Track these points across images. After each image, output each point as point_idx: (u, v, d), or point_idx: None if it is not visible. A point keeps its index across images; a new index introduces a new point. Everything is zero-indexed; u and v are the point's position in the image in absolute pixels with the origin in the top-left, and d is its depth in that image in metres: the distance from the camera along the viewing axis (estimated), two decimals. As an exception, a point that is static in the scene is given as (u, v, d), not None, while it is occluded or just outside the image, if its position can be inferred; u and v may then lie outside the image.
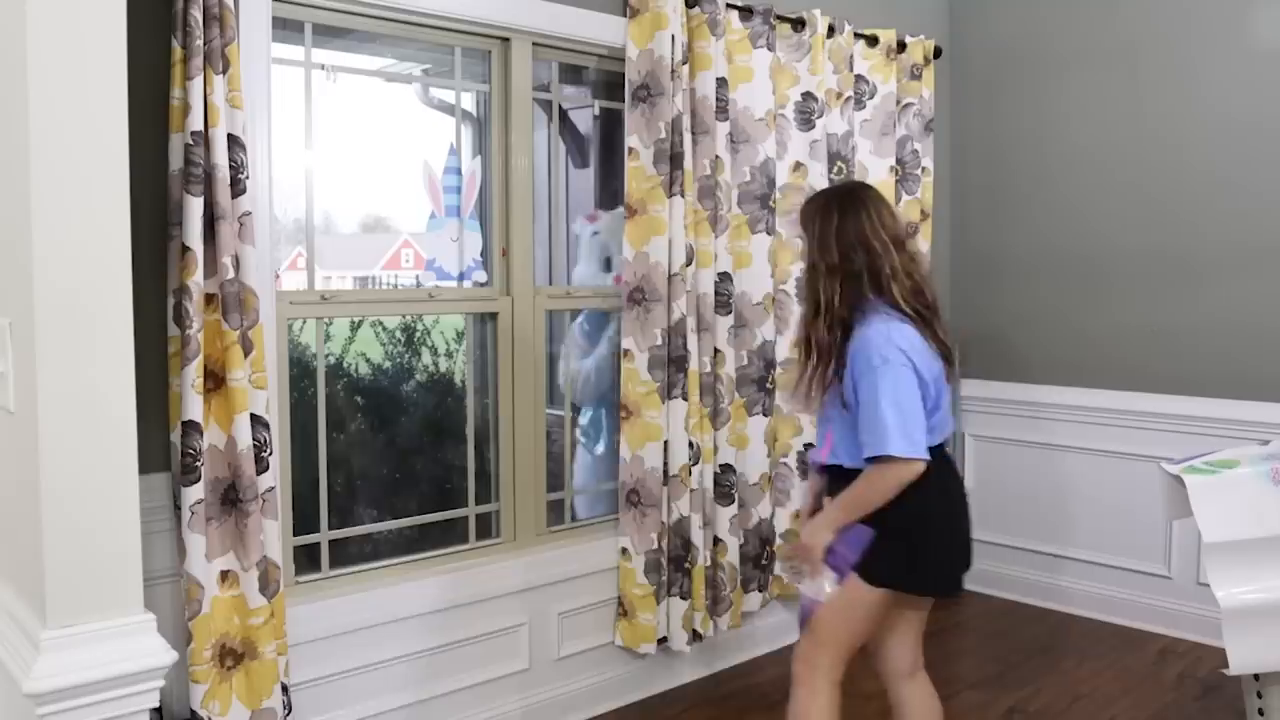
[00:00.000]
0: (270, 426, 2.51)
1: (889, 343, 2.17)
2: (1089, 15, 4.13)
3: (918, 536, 2.25)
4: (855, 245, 2.23)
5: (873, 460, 2.17)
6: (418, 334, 3.93)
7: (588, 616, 3.31)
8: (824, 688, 2.35)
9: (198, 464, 2.37)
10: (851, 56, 3.87)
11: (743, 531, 3.59)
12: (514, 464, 3.20)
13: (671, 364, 3.25)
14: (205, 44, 2.32)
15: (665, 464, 3.26)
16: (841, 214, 2.27)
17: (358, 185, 3.38)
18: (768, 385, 3.61)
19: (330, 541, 2.91)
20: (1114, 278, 4.11)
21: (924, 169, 4.23)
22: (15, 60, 1.50)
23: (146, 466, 2.05)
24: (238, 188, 2.42)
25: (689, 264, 3.29)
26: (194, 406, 2.35)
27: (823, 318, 2.26)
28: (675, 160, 3.21)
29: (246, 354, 2.44)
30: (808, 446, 3.77)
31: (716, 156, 3.36)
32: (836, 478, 2.33)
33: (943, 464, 2.30)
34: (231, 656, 2.46)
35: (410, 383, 3.97)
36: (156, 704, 1.59)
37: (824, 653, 2.36)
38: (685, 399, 3.27)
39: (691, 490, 3.33)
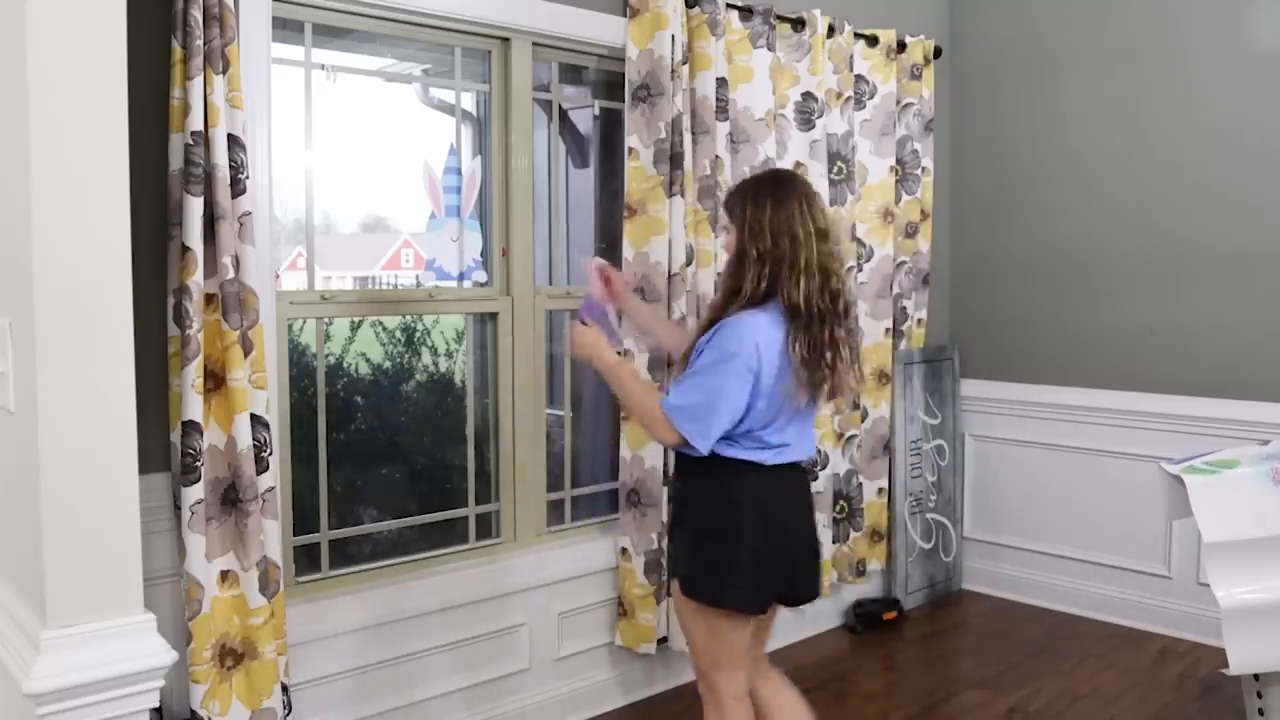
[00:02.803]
0: (270, 426, 2.51)
1: (749, 340, 2.14)
2: (1088, 16, 4.13)
3: (728, 554, 2.21)
4: (782, 232, 2.19)
5: (665, 406, 2.19)
6: (418, 334, 3.93)
7: (588, 616, 3.31)
8: (730, 704, 2.33)
9: (198, 464, 2.37)
10: (851, 56, 3.87)
11: (743, 531, 3.58)
12: (514, 464, 3.20)
13: (671, 364, 3.25)
14: (205, 44, 2.32)
15: (665, 464, 3.25)
16: (774, 201, 2.21)
17: (358, 185, 3.38)
18: (768, 385, 3.60)
19: (330, 541, 2.91)
20: (1114, 277, 4.11)
21: (924, 169, 4.23)
22: (15, 61, 1.50)
23: (146, 466, 2.05)
24: (238, 188, 2.42)
25: (689, 264, 3.29)
26: (194, 406, 2.35)
27: (737, 304, 2.22)
28: (675, 160, 3.21)
29: (246, 354, 2.44)
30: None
31: (716, 156, 3.36)
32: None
33: (782, 483, 2.27)
34: (231, 656, 2.46)
35: (410, 383, 3.97)
36: (156, 704, 1.59)
37: (713, 678, 2.33)
38: (685, 399, 3.27)
39: (691, 490, 3.33)
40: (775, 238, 2.19)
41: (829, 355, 2.18)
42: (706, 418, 2.16)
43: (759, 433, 2.21)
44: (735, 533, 2.22)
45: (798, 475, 2.34)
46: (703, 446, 2.18)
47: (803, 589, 2.38)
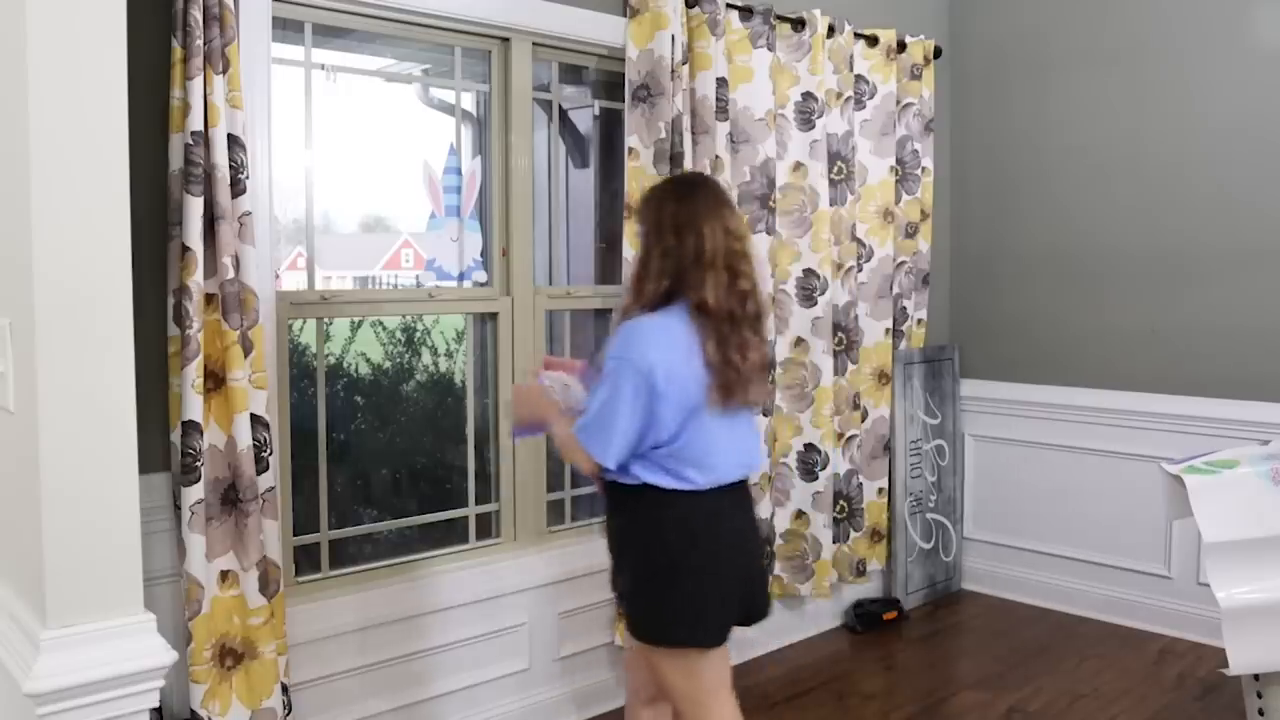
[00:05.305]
0: (270, 426, 2.51)
1: (643, 345, 2.06)
2: (1089, 15, 4.13)
3: (673, 590, 2.11)
4: (688, 230, 2.11)
5: (575, 430, 2.13)
6: (418, 334, 3.93)
7: (588, 616, 3.31)
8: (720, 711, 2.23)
9: (198, 464, 2.37)
10: (851, 56, 3.87)
11: (743, 531, 3.58)
12: (514, 464, 3.20)
13: (671, 364, 3.25)
14: (205, 44, 2.32)
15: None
16: (678, 201, 2.16)
17: (358, 185, 3.38)
18: (768, 385, 3.60)
19: (330, 541, 2.91)
20: (1114, 277, 4.11)
21: (924, 169, 4.23)
22: (14, 61, 1.50)
23: (146, 466, 2.05)
24: (238, 188, 2.42)
25: (689, 264, 3.29)
26: (194, 406, 2.35)
27: (638, 305, 2.15)
28: (675, 160, 3.21)
29: (246, 354, 2.44)
30: (808, 447, 3.78)
31: (716, 156, 3.36)
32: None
33: (718, 505, 2.15)
34: (231, 656, 2.46)
35: (410, 383, 3.97)
36: (156, 704, 1.59)
37: (699, 716, 2.21)
38: (685, 399, 3.27)
39: (691, 490, 3.33)
40: (680, 235, 2.11)
41: (738, 356, 2.09)
42: (607, 430, 2.06)
43: (679, 450, 2.09)
44: (674, 567, 2.10)
45: (737, 494, 2.21)
46: (608, 461, 2.07)
47: (757, 609, 2.29)
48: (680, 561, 2.11)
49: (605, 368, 2.10)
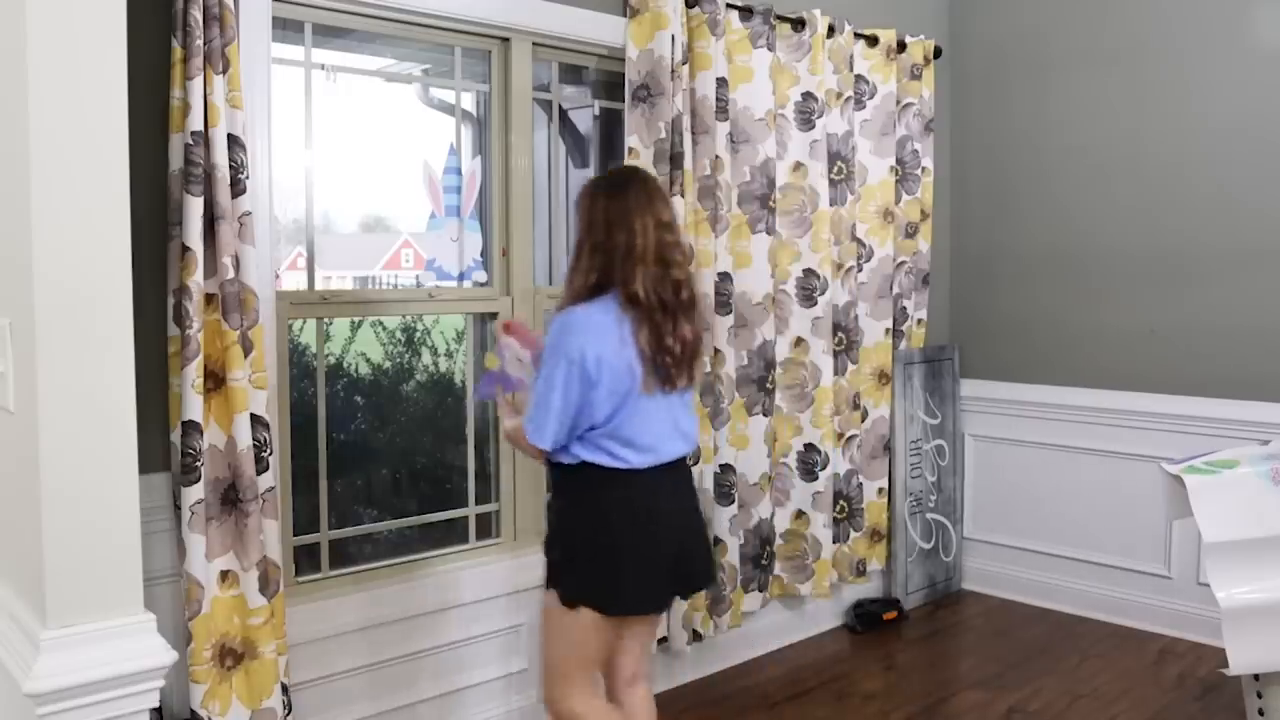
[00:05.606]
0: (270, 426, 2.51)
1: (574, 335, 2.14)
2: (1089, 15, 4.13)
3: (603, 558, 2.21)
4: (618, 225, 2.18)
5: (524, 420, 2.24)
6: (418, 334, 3.93)
7: (588, 616, 3.31)
8: (584, 704, 2.30)
9: (198, 464, 2.37)
10: (851, 56, 3.87)
11: (743, 531, 3.59)
12: (514, 464, 3.20)
13: (671, 364, 3.25)
14: (205, 44, 2.32)
15: (665, 464, 3.25)
16: (609, 197, 2.23)
17: (358, 185, 3.38)
18: (768, 385, 3.61)
19: (330, 541, 2.91)
20: (1114, 277, 4.11)
21: (924, 169, 4.23)
22: (14, 61, 1.50)
23: (146, 466, 2.05)
24: (238, 188, 2.42)
25: (689, 264, 3.29)
26: (194, 406, 2.35)
27: (569, 297, 2.24)
28: (675, 160, 3.21)
29: (246, 354, 2.44)
30: (808, 447, 3.78)
31: (716, 156, 3.36)
32: None
33: (654, 483, 2.24)
34: (231, 656, 2.46)
35: (410, 383, 3.97)
36: (156, 704, 1.59)
37: (562, 682, 2.30)
38: (685, 399, 3.27)
39: (691, 490, 3.33)
40: (610, 229, 2.19)
41: (673, 342, 2.18)
42: (542, 414, 2.17)
43: (614, 431, 2.18)
44: (612, 543, 2.20)
45: (675, 473, 2.30)
46: (543, 443, 2.19)
47: (696, 579, 2.41)
48: (616, 539, 2.20)
49: (542, 358, 2.22)
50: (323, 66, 2.82)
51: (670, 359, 2.19)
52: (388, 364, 3.89)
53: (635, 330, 2.16)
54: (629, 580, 2.21)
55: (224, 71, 2.36)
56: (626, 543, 2.20)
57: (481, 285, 3.19)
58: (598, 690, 2.38)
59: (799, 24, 3.67)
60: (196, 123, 2.32)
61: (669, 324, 2.19)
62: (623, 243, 2.18)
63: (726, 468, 3.49)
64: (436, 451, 3.73)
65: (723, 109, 3.38)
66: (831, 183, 3.80)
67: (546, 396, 2.16)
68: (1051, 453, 4.30)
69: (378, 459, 3.66)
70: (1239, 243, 3.79)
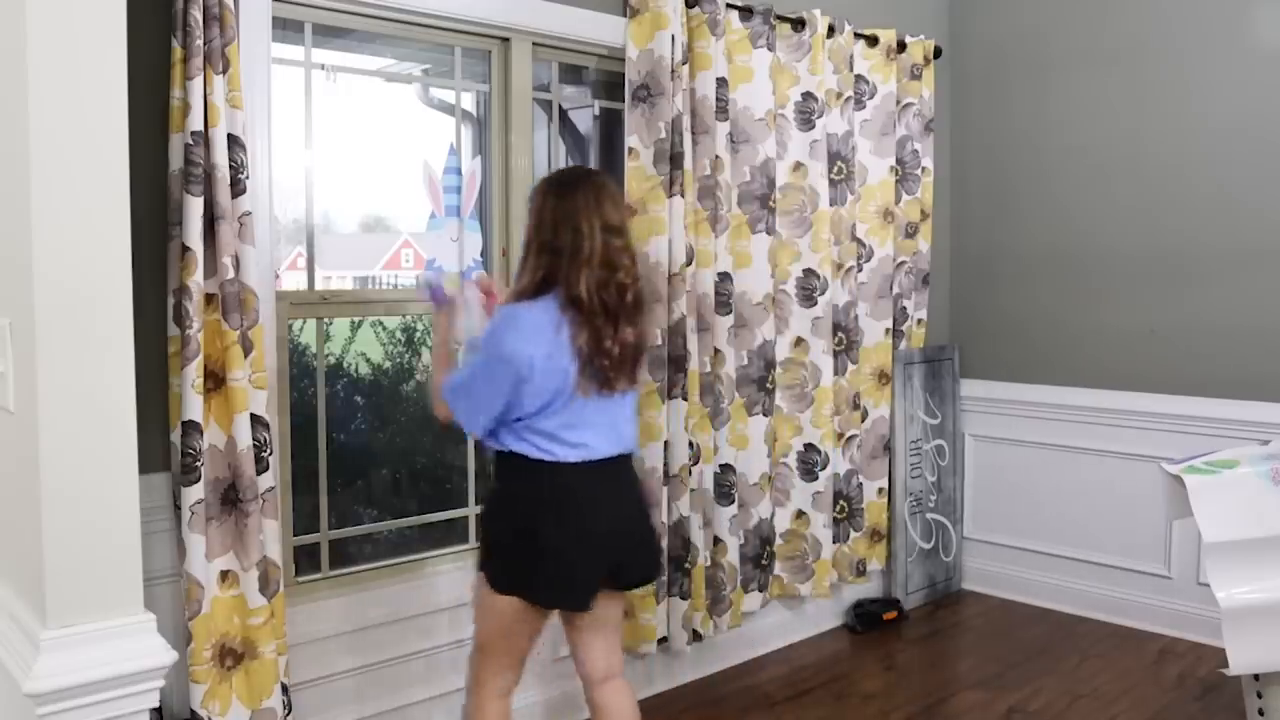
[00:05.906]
0: (270, 426, 2.51)
1: (509, 332, 2.16)
2: (1089, 15, 4.13)
3: (524, 546, 2.21)
4: (565, 225, 2.19)
5: (445, 382, 2.28)
6: (418, 334, 3.94)
7: (588, 616, 3.31)
8: (489, 699, 2.33)
9: (198, 464, 2.37)
10: (851, 56, 3.87)
11: (743, 531, 3.59)
12: (514, 464, 3.19)
13: (671, 364, 3.25)
14: (205, 44, 2.32)
15: (665, 464, 3.25)
16: (559, 198, 2.23)
17: (358, 185, 3.38)
18: (768, 385, 3.61)
19: (330, 541, 2.91)
20: (1114, 277, 4.11)
21: (924, 169, 4.23)
22: (14, 61, 1.50)
23: (146, 466, 2.05)
24: (238, 188, 2.42)
25: (689, 264, 3.29)
26: (194, 406, 2.35)
27: (512, 294, 2.27)
28: (675, 160, 3.21)
29: (246, 354, 2.44)
30: (808, 447, 3.78)
31: (716, 156, 3.36)
32: None
33: (587, 479, 2.24)
34: (231, 656, 2.46)
35: (410, 383, 3.98)
36: (156, 704, 1.59)
37: (483, 662, 2.33)
38: (685, 399, 3.27)
39: (691, 490, 3.33)
40: (556, 230, 2.20)
41: (611, 345, 2.19)
42: (473, 402, 2.21)
43: (540, 425, 2.19)
44: (534, 534, 2.20)
45: (612, 468, 2.30)
46: (474, 429, 2.23)
47: (636, 572, 2.41)
48: (538, 528, 2.21)
49: (481, 344, 2.23)
50: (323, 66, 2.82)
51: (608, 362, 2.20)
52: (387, 364, 3.90)
53: (574, 332, 2.16)
54: (549, 572, 2.21)
55: (224, 71, 2.36)
56: (548, 534, 2.20)
57: (481, 285, 3.19)
58: (513, 683, 2.38)
59: (799, 24, 3.67)
60: (196, 123, 2.32)
61: (609, 327, 2.19)
62: (569, 243, 2.18)
63: (726, 468, 3.49)
64: (436, 451, 3.74)
65: (723, 109, 3.38)
66: (831, 183, 3.80)
67: (477, 388, 2.20)
68: (1051, 453, 4.30)
69: (377, 459, 3.67)
70: (1239, 243, 3.79)
